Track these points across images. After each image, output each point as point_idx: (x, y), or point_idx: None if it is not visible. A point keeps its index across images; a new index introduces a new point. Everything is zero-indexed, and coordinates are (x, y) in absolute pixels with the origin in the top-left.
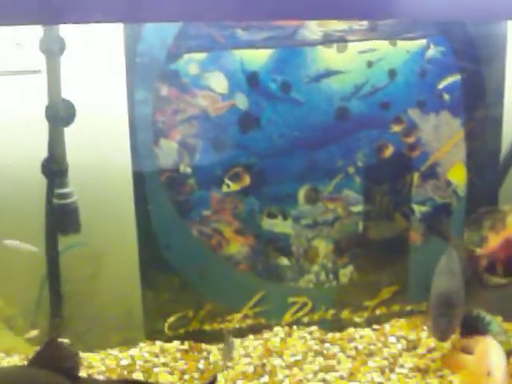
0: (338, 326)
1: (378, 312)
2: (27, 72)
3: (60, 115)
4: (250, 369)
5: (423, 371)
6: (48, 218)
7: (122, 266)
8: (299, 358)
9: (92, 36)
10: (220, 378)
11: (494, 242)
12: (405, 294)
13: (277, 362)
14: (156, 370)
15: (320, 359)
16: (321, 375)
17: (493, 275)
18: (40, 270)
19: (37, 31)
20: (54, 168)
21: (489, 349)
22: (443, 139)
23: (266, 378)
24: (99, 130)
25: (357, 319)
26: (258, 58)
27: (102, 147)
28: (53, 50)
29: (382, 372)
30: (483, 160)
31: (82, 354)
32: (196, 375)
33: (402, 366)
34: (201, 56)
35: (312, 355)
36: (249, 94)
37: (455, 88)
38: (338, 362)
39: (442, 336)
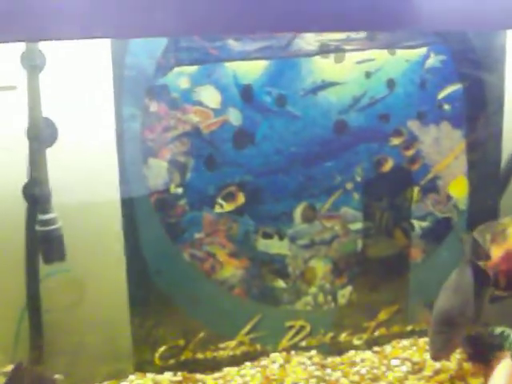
0: (337, 349)
1: (377, 333)
2: (2, 88)
3: (42, 135)
4: None
5: None
6: (28, 246)
7: (109, 294)
8: None
9: (77, 49)
10: None
11: (496, 254)
12: (405, 314)
13: None
14: None
15: None
16: None
17: (496, 288)
18: (18, 302)
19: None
20: (36, 192)
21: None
22: (444, 151)
23: None
24: (84, 149)
25: (356, 342)
26: (251, 70)
27: (88, 168)
28: (33, 66)
29: None
30: (485, 172)
31: None
32: None
33: None
34: (192, 69)
35: (314, 382)
36: (242, 108)
37: (456, 98)
38: None
39: (436, 355)
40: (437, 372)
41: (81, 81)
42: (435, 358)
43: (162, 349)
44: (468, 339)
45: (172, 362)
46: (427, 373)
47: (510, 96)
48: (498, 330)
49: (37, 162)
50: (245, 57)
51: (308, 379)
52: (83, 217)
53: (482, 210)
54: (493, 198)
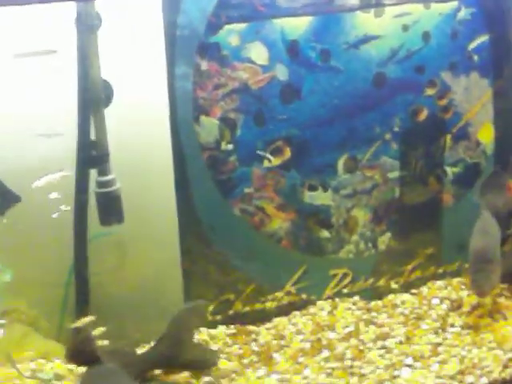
0: (377, 293)
1: (413, 276)
2: (43, 52)
3: (100, 96)
4: (307, 345)
5: (474, 327)
6: (77, 209)
7: (162, 252)
8: (352, 329)
9: (129, 10)
10: (278, 357)
11: None
12: (438, 256)
13: (331, 335)
14: None
15: (373, 328)
16: (380, 343)
17: None
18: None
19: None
20: (95, 154)
21: None
22: (473, 100)
23: (326, 353)
24: (137, 109)
25: (394, 285)
26: (297, 26)
27: (141, 128)
28: (91, 26)
29: (436, 333)
30: (509, 118)
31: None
32: (255, 358)
33: (452, 326)
34: (241, 26)
35: (363, 325)
36: (289, 64)
37: (483, 49)
38: (391, 329)
39: (480, 292)
40: (474, 307)
41: (134, 41)
42: (480, 294)
43: (214, 304)
44: None
45: (223, 316)
46: (466, 309)
47: None
48: None
49: (96, 124)
50: (291, 13)
51: (357, 322)
52: (136, 176)
53: (507, 154)
54: None
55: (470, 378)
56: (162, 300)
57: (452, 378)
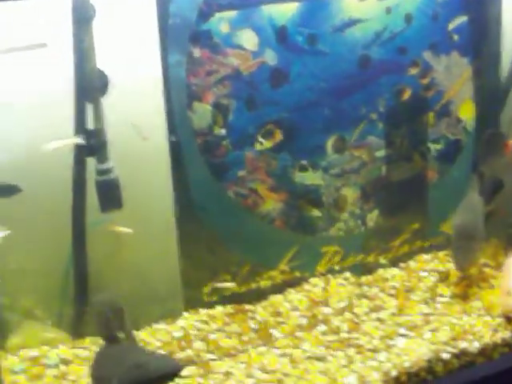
0: (367, 269)
1: (400, 251)
2: (33, 47)
3: (98, 85)
4: (304, 320)
5: (463, 297)
6: (75, 197)
7: (158, 235)
8: (346, 303)
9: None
10: (277, 333)
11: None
12: (424, 231)
13: (326, 310)
14: (213, 336)
15: (366, 301)
16: (373, 315)
17: None
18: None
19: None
20: (94, 143)
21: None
22: (454, 78)
23: (323, 327)
24: (132, 97)
25: (382, 261)
26: (285, 12)
27: (136, 115)
28: (87, 17)
29: (427, 303)
30: (487, 95)
31: None
32: (253, 335)
33: (442, 296)
34: (231, 14)
35: (356, 299)
36: (277, 49)
37: (463, 29)
38: (384, 302)
39: (460, 267)
40: (461, 278)
41: (127, 32)
42: (461, 268)
43: (210, 284)
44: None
45: (219, 297)
46: (453, 279)
47: (506, 25)
48: None
49: (94, 113)
50: None
51: (350, 297)
52: (132, 162)
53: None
54: (495, 116)
55: (462, 344)
56: (160, 283)
57: (445, 343)
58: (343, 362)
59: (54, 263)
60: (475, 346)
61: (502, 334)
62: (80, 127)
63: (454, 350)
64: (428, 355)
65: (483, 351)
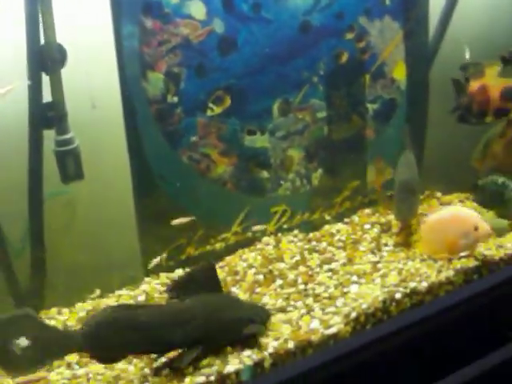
0: (313, 226)
1: (343, 207)
2: None
3: (57, 57)
4: (260, 277)
5: (405, 244)
6: (32, 168)
7: (116, 203)
8: (298, 258)
9: None
10: (238, 291)
11: (473, 86)
12: (364, 187)
13: (281, 265)
14: None
15: (317, 255)
16: (326, 267)
17: (470, 114)
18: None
19: None
20: (53, 114)
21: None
22: (387, 41)
23: (279, 281)
24: (85, 68)
25: (327, 217)
26: None
27: (91, 85)
28: None
29: (373, 253)
30: (417, 55)
31: (93, 301)
32: None
33: (386, 245)
34: None
35: (308, 253)
36: (225, 17)
37: None
38: (333, 254)
39: (403, 219)
40: (402, 228)
41: (81, 4)
42: (404, 220)
43: (168, 249)
44: (476, 187)
45: (176, 260)
46: (395, 230)
47: None
48: (500, 179)
49: (53, 85)
50: None
51: (302, 252)
52: (88, 132)
53: (417, 89)
54: (425, 75)
55: (412, 284)
56: (120, 251)
57: (396, 285)
58: (304, 311)
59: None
60: (423, 285)
61: (446, 274)
62: (35, 99)
63: (406, 290)
64: (382, 296)
65: (430, 290)
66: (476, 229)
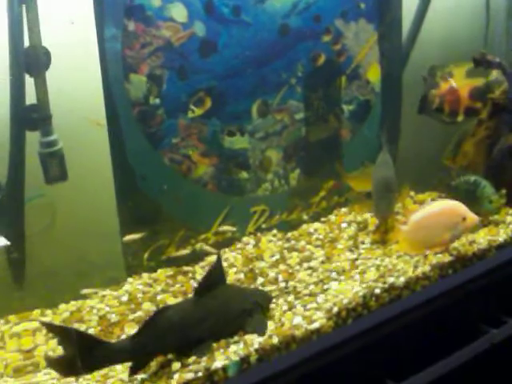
0: (291, 225)
1: (320, 207)
2: None
3: (41, 60)
4: (241, 276)
5: (381, 242)
6: (11, 171)
7: (99, 205)
8: (278, 256)
9: None
10: None
11: (443, 87)
12: (340, 187)
13: (261, 264)
14: (160, 297)
15: (296, 253)
16: (305, 265)
17: (441, 114)
18: None
19: None
20: (38, 116)
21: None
22: (362, 43)
23: (261, 279)
24: (70, 71)
25: (305, 216)
26: None
27: (74, 88)
28: None
29: (351, 250)
30: (390, 57)
31: (76, 302)
32: None
33: (363, 243)
34: None
35: (287, 252)
36: (206, 20)
37: None
38: (312, 253)
39: (382, 216)
40: (378, 226)
41: (64, 6)
42: (383, 217)
43: (149, 250)
44: (449, 187)
45: (157, 261)
46: (371, 228)
47: None
48: (472, 178)
49: (38, 87)
50: None
51: (281, 251)
52: (71, 133)
53: (392, 90)
54: (398, 77)
55: (390, 279)
56: (102, 251)
57: (375, 281)
58: (285, 308)
59: None
60: (401, 280)
61: (422, 269)
62: (17, 101)
63: (384, 286)
64: (362, 292)
65: (408, 285)
66: (464, 219)
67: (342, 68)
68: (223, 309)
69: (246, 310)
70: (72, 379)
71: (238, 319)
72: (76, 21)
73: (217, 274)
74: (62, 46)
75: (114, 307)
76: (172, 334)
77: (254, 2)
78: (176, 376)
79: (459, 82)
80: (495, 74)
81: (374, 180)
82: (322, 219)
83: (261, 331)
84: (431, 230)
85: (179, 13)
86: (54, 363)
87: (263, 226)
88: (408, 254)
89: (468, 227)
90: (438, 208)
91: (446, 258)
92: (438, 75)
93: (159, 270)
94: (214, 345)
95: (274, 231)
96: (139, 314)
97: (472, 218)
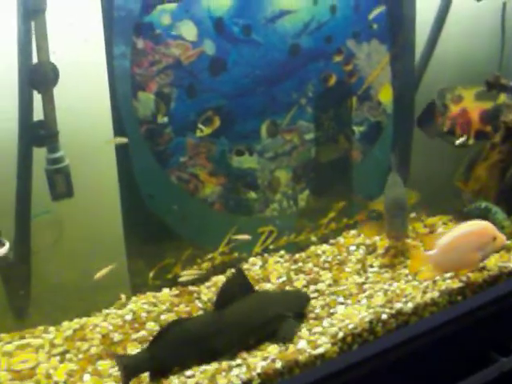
0: (299, 247)
1: (329, 228)
2: None
3: (49, 76)
4: None
5: (390, 266)
6: (19, 187)
7: (105, 223)
8: (285, 278)
9: None
10: None
11: (454, 110)
12: (349, 208)
13: (268, 285)
14: (163, 317)
15: (303, 275)
16: (312, 287)
17: (452, 136)
18: None
19: None
20: (44, 133)
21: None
22: (374, 64)
23: None
24: (78, 88)
25: (313, 238)
26: (222, 4)
27: (82, 105)
28: (39, 10)
29: (359, 274)
30: (403, 79)
31: (80, 320)
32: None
33: (371, 266)
34: (172, 6)
35: (294, 274)
36: (215, 39)
37: (381, 18)
38: (319, 275)
39: (397, 235)
40: (387, 249)
41: (73, 24)
42: (397, 237)
43: (155, 269)
44: (460, 213)
45: (163, 280)
46: (380, 251)
47: (420, 14)
48: (483, 204)
49: (46, 104)
50: None
51: (288, 272)
52: (79, 151)
53: (403, 112)
54: (410, 99)
55: (398, 304)
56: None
57: (382, 306)
58: None
59: None
60: (409, 306)
61: (431, 295)
62: (25, 118)
63: (391, 311)
64: (369, 317)
65: (416, 310)
66: (494, 239)
67: (353, 89)
68: (244, 320)
69: (271, 318)
70: None
71: (263, 329)
72: (86, 38)
73: (238, 284)
74: (71, 63)
75: (118, 326)
76: (185, 346)
77: (264, 21)
78: None
79: (469, 104)
80: (503, 97)
81: (386, 200)
82: (331, 241)
83: (285, 340)
84: (461, 251)
85: (189, 31)
86: None
87: (271, 246)
88: (417, 280)
89: (498, 247)
90: (469, 229)
91: (456, 284)
92: (447, 98)
93: (164, 290)
94: (215, 368)
95: (282, 252)
96: (142, 333)
97: (502, 238)
